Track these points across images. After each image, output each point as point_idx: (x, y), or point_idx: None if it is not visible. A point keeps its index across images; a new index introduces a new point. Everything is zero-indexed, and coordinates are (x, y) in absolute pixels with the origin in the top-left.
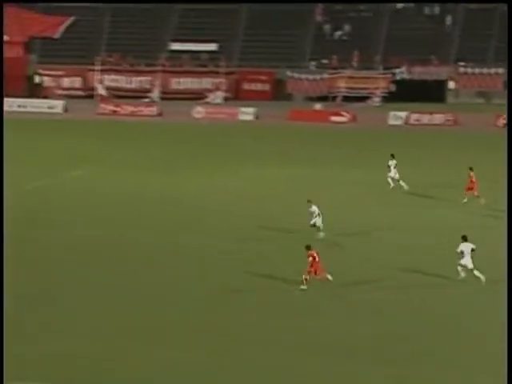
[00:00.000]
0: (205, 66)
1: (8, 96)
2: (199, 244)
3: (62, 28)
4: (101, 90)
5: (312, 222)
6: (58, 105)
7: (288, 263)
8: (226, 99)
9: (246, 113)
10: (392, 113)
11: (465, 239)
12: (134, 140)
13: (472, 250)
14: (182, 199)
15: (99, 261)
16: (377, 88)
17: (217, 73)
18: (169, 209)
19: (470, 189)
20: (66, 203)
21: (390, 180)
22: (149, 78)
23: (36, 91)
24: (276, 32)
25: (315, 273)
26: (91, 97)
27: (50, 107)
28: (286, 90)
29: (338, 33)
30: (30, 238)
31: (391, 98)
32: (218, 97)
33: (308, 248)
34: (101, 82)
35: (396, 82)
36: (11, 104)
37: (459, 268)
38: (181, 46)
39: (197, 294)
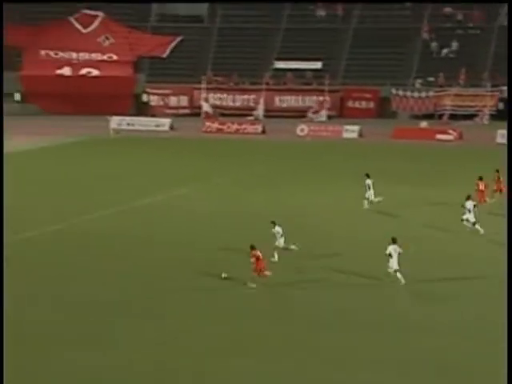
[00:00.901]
0: (309, 84)
1: (117, 114)
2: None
3: (169, 47)
4: (206, 108)
5: (277, 244)
6: (164, 123)
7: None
8: (329, 117)
9: (350, 130)
10: (500, 131)
11: (394, 241)
12: (239, 157)
13: (399, 254)
14: (286, 216)
15: (204, 280)
16: (484, 106)
17: (321, 91)
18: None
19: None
20: (169, 221)
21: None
22: (253, 96)
23: (144, 109)
24: (381, 50)
25: (259, 272)
26: (197, 115)
27: (157, 125)
28: (391, 108)
29: (445, 50)
30: (132, 255)
31: (499, 116)
32: (321, 115)
33: (252, 248)
34: (206, 100)
35: (504, 100)
36: (120, 122)
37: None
38: (285, 64)
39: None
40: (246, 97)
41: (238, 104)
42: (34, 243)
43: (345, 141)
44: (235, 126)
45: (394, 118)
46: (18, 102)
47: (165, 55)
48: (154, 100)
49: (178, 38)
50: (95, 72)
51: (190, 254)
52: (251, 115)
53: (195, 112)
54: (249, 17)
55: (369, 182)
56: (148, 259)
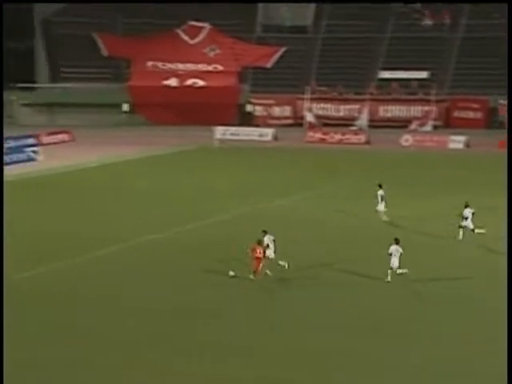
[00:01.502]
0: (414, 93)
1: (222, 124)
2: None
3: (274, 58)
4: (310, 118)
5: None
6: (268, 133)
7: None
8: (435, 127)
9: (456, 141)
10: None
11: (397, 242)
12: (342, 167)
13: (401, 254)
14: (399, 227)
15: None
16: None
17: (427, 101)
18: (371, 237)
19: None
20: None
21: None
22: (357, 106)
23: (247, 119)
24: (489, 59)
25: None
26: (300, 125)
27: (260, 135)
28: (499, 118)
29: None
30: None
31: None
32: (427, 125)
33: (258, 243)
34: (310, 110)
35: None
36: (224, 132)
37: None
38: (390, 74)
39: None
40: (349, 107)
41: (341, 114)
42: (138, 250)
43: (451, 151)
44: (338, 136)
45: (502, 129)
46: (125, 112)
47: (269, 65)
48: (258, 110)
49: (283, 49)
50: (201, 82)
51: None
52: (354, 125)
53: (298, 122)
54: (353, 26)
55: (381, 192)
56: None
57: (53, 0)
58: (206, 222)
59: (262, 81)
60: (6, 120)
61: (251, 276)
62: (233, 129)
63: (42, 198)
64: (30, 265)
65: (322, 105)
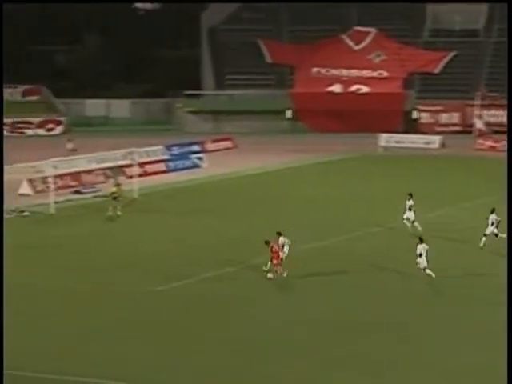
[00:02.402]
0: None
1: (386, 131)
2: None
3: (442, 63)
4: (479, 125)
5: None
6: (435, 140)
7: None
8: None
9: None
10: None
11: (421, 241)
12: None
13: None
14: None
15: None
16: None
17: None
18: None
19: None
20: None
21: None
22: None
23: (412, 127)
24: None
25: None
26: (469, 132)
27: (426, 142)
28: None
29: None
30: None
31: None
32: None
33: (267, 242)
34: (480, 117)
35: None
36: (389, 139)
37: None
38: None
39: None
40: None
41: None
42: (301, 259)
43: None
44: None
45: None
46: (288, 119)
47: (437, 71)
48: (424, 117)
49: (451, 54)
50: (365, 89)
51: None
52: None
53: (467, 129)
54: None
55: (410, 202)
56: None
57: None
58: (372, 230)
59: (430, 87)
60: (171, 127)
61: (269, 274)
62: (398, 136)
63: (209, 204)
64: (214, 266)
65: (493, 111)
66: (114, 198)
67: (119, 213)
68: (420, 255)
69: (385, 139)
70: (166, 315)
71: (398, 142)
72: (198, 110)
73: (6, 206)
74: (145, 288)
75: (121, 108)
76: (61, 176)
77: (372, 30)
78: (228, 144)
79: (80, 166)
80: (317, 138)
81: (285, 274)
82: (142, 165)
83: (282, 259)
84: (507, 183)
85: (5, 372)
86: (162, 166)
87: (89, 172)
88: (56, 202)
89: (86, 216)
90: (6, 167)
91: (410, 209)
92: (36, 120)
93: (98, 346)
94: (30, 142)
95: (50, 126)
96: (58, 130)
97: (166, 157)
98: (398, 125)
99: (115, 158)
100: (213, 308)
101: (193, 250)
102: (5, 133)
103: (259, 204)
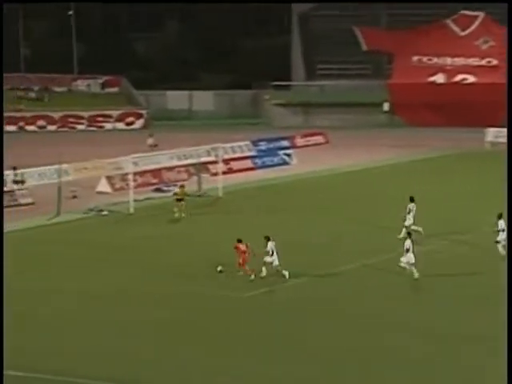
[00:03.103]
0: None
1: (493, 126)
2: None
3: None
4: None
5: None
6: None
7: None
8: None
9: None
10: None
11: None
12: None
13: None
14: None
15: None
16: None
17: None
18: None
19: None
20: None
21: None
22: None
23: None
24: None
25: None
26: None
27: None
28: None
29: None
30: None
31: None
32: None
33: (239, 241)
34: None
35: None
36: (497, 134)
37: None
38: None
39: None
40: None
41: None
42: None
43: None
44: None
45: None
46: (386, 112)
47: None
48: None
49: None
50: (471, 78)
51: None
52: None
53: None
54: None
55: (410, 206)
56: None
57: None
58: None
59: None
60: (258, 121)
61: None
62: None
63: (299, 203)
64: (306, 269)
65: None
66: (178, 200)
67: (183, 214)
68: (407, 250)
69: (492, 134)
70: (265, 324)
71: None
72: (286, 102)
73: (84, 205)
74: (233, 293)
75: (204, 100)
76: (141, 173)
77: (480, 13)
78: (319, 139)
79: (161, 162)
80: (416, 133)
81: (252, 277)
82: (226, 161)
83: (244, 261)
84: (507, 183)
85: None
86: (248, 163)
87: (170, 169)
88: (135, 201)
89: (166, 216)
90: (84, 163)
91: (408, 212)
92: (115, 113)
93: (191, 358)
94: (108, 137)
95: (130, 119)
96: (138, 123)
97: (252, 153)
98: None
99: (198, 154)
100: (317, 311)
101: (282, 252)
102: (82, 127)
103: (353, 203)
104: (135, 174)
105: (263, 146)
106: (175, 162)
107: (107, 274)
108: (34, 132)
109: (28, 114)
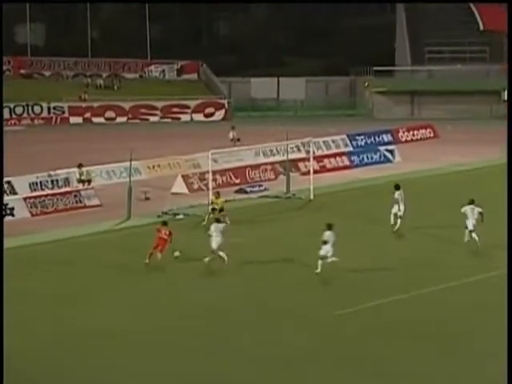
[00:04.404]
0: None
1: None
2: None
3: None
4: None
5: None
6: None
7: None
8: None
9: None
10: None
11: (329, 228)
12: None
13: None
14: None
15: None
16: None
17: None
18: None
19: None
20: None
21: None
22: None
23: None
24: None
25: (156, 248)
26: None
27: None
28: None
29: None
30: None
31: None
32: None
33: (163, 224)
34: None
35: None
36: None
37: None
38: None
39: None
40: None
41: None
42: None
43: None
44: None
45: None
46: (505, 101)
47: None
48: None
49: None
50: None
51: None
52: None
53: None
54: None
55: (397, 195)
56: None
57: None
58: None
59: None
60: (356, 112)
61: (146, 261)
62: None
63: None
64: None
65: None
66: (213, 210)
67: (204, 223)
68: (325, 242)
69: None
70: (356, 344)
71: None
72: (389, 90)
73: (157, 208)
74: (327, 311)
75: (294, 88)
76: (221, 171)
77: None
78: (427, 133)
79: (245, 159)
80: None
81: (146, 261)
82: (319, 158)
83: (157, 246)
84: (507, 183)
85: None
86: (344, 160)
87: (255, 167)
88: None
89: (251, 220)
90: (157, 160)
91: (396, 202)
92: (193, 103)
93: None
94: (185, 130)
95: (210, 110)
96: (219, 115)
97: (348, 149)
98: None
99: (287, 149)
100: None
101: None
102: (156, 118)
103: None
104: (215, 172)
105: (361, 140)
106: (260, 159)
107: (199, 287)
108: (102, 124)
109: (95, 104)
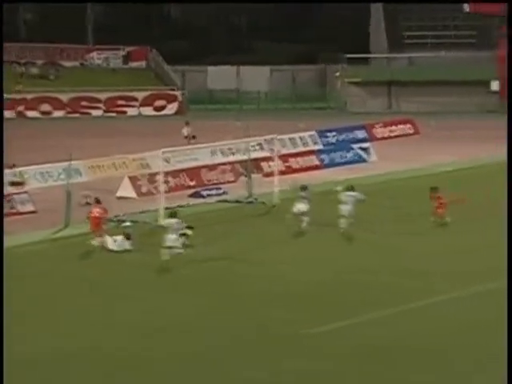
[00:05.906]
0: None
1: None
2: None
3: None
4: None
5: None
6: None
7: None
8: None
9: None
10: None
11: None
12: None
13: None
14: None
15: None
16: None
17: None
18: None
19: None
20: None
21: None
22: None
23: None
24: None
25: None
26: None
27: None
28: None
29: None
30: None
31: None
32: None
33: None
34: None
35: None
36: None
37: None
38: None
39: None
40: None
41: None
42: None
43: None
44: None
45: None
46: (495, 92)
47: None
48: None
49: None
50: None
51: None
52: None
53: None
54: None
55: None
56: None
57: None
58: None
59: None
60: (326, 104)
61: (94, 242)
62: None
63: (381, 214)
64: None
65: None
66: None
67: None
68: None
69: None
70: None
71: None
72: (364, 80)
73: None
74: (299, 329)
75: (257, 78)
76: (174, 173)
77: None
78: (407, 129)
79: (201, 159)
80: None
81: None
82: (285, 158)
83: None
84: (507, 183)
85: None
86: (312, 160)
87: (213, 167)
88: (167, 209)
89: (212, 229)
90: (100, 159)
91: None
92: (141, 95)
93: None
94: (132, 125)
95: (160, 103)
96: (171, 108)
97: (318, 147)
98: None
99: (248, 148)
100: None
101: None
102: (99, 112)
103: (460, 214)
104: (166, 174)
105: (333, 137)
106: (219, 159)
107: (152, 300)
108: (37, 119)
109: (29, 96)
